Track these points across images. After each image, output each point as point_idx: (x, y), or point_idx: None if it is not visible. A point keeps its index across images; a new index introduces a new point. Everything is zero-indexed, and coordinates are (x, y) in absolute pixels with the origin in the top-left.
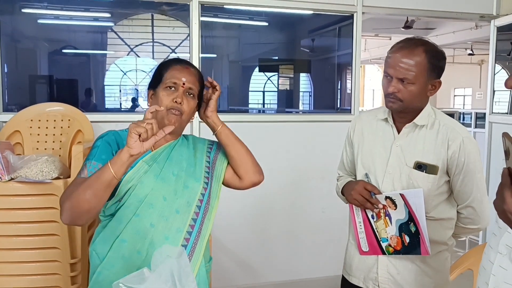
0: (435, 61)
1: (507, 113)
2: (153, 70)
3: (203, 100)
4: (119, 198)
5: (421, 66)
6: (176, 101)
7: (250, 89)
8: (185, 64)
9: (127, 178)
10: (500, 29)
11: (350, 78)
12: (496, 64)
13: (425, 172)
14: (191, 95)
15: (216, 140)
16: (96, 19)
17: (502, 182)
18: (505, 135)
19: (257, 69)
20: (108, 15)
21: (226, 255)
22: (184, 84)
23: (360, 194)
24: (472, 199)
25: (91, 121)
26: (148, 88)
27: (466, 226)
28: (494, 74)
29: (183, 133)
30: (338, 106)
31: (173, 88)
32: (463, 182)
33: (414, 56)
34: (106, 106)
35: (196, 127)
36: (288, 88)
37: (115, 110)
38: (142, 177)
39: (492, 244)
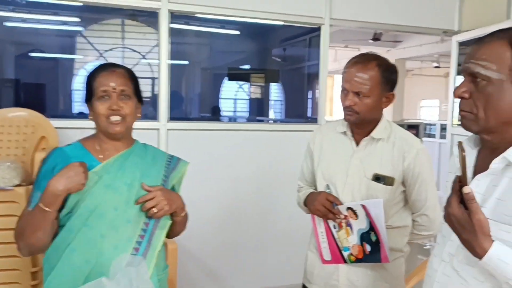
0: (388, 74)
1: None
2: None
3: (141, 95)
4: (69, 210)
5: (375, 79)
6: (112, 109)
7: (222, 96)
8: (110, 68)
9: None
10: (462, 43)
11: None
12: (458, 77)
13: (383, 184)
14: (127, 96)
15: (175, 155)
16: (65, 23)
17: (452, 188)
18: (459, 144)
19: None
20: (77, 19)
21: (192, 263)
22: (114, 88)
23: (322, 205)
24: (426, 207)
25: (57, 127)
26: (86, 102)
27: (421, 232)
28: (456, 87)
29: (144, 142)
30: (309, 115)
31: (106, 97)
32: (418, 191)
33: (368, 70)
34: (74, 111)
35: (164, 136)
36: (260, 97)
37: (82, 116)
38: (92, 187)
39: (436, 253)
